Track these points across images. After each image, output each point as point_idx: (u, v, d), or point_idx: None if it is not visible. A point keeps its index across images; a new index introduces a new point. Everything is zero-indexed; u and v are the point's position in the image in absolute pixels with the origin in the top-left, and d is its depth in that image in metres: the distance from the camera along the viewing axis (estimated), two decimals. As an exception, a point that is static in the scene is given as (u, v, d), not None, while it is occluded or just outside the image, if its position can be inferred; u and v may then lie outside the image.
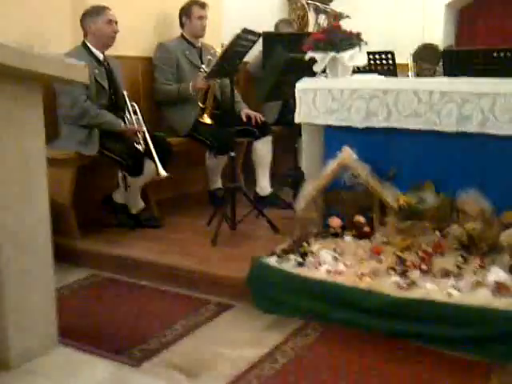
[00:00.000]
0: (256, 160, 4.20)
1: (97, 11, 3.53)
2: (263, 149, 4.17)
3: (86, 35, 3.58)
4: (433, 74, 4.88)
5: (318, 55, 3.03)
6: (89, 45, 3.57)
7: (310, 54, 3.06)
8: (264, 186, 4.19)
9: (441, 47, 6.19)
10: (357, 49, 3.05)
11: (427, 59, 4.89)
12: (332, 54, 3.01)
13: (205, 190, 4.40)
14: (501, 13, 6.88)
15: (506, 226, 2.78)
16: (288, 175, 3.88)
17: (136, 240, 3.41)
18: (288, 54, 3.48)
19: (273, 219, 3.54)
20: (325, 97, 3.11)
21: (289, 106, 3.86)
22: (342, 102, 3.07)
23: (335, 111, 3.10)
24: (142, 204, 3.67)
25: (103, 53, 3.63)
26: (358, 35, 3.11)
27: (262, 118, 4.16)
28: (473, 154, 2.87)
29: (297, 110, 3.20)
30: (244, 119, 4.07)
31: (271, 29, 5.16)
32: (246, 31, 3.19)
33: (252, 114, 4.11)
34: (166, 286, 2.95)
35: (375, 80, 3.04)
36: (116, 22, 3.56)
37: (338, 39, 3.00)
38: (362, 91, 3.02)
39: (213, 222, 3.53)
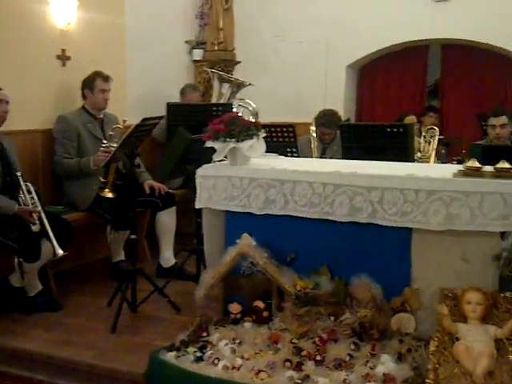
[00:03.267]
0: (159, 231, 4.20)
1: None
2: (167, 220, 4.18)
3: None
4: (333, 139, 5.11)
5: (217, 145, 3.10)
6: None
7: (209, 144, 3.12)
8: (168, 258, 4.19)
9: (342, 109, 6.55)
10: (255, 139, 3.15)
11: (327, 125, 5.11)
12: (231, 144, 3.09)
13: (107, 258, 4.34)
14: (400, 69, 7.32)
15: (395, 311, 2.96)
16: (192, 250, 3.89)
17: (32, 328, 3.29)
18: (189, 134, 3.54)
19: (176, 293, 3.55)
20: (225, 184, 3.18)
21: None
22: (242, 189, 3.16)
23: (235, 198, 3.18)
24: (39, 286, 3.56)
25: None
26: (256, 124, 3.23)
27: (166, 189, 4.17)
28: (364, 242, 3.04)
29: (197, 195, 3.26)
30: (147, 191, 4.07)
31: (177, 91, 5.24)
32: (146, 120, 3.21)
33: (155, 185, 4.12)
34: (63, 380, 2.87)
35: (274, 170, 3.14)
36: (7, 102, 3.47)
37: (237, 130, 3.08)
38: (261, 180, 3.12)
39: (114, 301, 3.49)
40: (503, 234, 2.85)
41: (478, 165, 2.89)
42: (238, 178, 3.16)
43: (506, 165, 2.85)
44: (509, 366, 2.45)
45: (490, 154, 3.23)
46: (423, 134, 5.30)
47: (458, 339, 2.60)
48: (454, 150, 6.16)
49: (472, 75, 7.04)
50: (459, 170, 2.94)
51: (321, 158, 4.96)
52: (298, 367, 2.66)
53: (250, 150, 3.15)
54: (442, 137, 6.35)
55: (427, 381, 2.42)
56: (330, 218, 3.02)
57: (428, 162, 5.07)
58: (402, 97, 7.30)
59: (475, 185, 2.78)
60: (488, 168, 2.90)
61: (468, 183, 2.81)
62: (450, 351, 2.55)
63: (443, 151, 6.06)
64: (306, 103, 6.23)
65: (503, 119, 4.49)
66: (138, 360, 2.82)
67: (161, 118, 3.49)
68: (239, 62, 6.32)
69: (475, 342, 2.54)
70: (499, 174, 2.82)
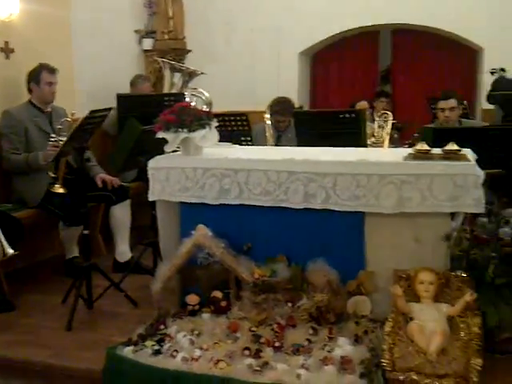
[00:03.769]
0: (114, 225, 4.13)
1: None
2: (121, 214, 4.12)
3: None
4: (287, 126, 5.11)
5: (168, 136, 3.06)
6: None
7: (160, 135, 3.08)
8: (123, 252, 4.14)
9: (296, 96, 6.56)
10: (207, 128, 3.12)
11: (281, 113, 5.12)
12: (183, 134, 3.06)
13: (61, 255, 4.25)
14: (352, 56, 7.38)
15: (351, 294, 3.00)
16: (148, 243, 3.85)
17: (-16, 330, 3.20)
18: (140, 126, 3.49)
19: (133, 288, 3.51)
20: (178, 175, 3.15)
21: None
22: (195, 180, 3.13)
23: (189, 189, 3.15)
24: (-11, 288, 3.47)
25: None
26: (208, 113, 3.20)
27: (118, 182, 4.11)
28: (320, 227, 3.06)
29: (150, 187, 3.22)
30: (99, 185, 4.00)
31: (128, 82, 5.15)
32: (94, 112, 3.15)
33: (107, 178, 4.05)
34: (19, 381, 2.81)
35: (227, 159, 3.13)
36: None
37: (189, 120, 3.05)
38: (215, 170, 3.10)
39: (68, 298, 3.42)
40: (453, 215, 2.91)
41: (427, 148, 2.95)
42: (192, 168, 3.13)
43: (455, 147, 2.91)
44: (461, 342, 2.51)
45: (441, 137, 3.28)
46: (376, 119, 5.37)
47: (411, 319, 2.66)
48: (406, 134, 6.25)
49: (423, 60, 7.17)
50: (409, 154, 2.99)
51: (276, 145, 4.95)
52: (257, 354, 2.67)
53: (202, 139, 3.13)
54: (394, 121, 6.48)
55: (382, 361, 2.47)
56: (285, 205, 3.04)
57: (382, 146, 5.14)
58: (355, 83, 7.37)
59: (425, 167, 2.84)
60: (437, 150, 2.96)
61: (418, 166, 2.86)
62: (405, 331, 2.60)
63: (396, 135, 6.15)
64: (260, 91, 6.23)
65: (452, 102, 4.58)
66: (95, 357, 2.77)
67: (109, 109, 3.42)
68: (190, 51, 6.26)
69: (428, 320, 2.60)
70: (447, 156, 2.88)
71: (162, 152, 3.19)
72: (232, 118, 4.46)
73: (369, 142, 5.07)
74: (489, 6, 6.20)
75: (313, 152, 3.36)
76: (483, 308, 2.68)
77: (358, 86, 7.34)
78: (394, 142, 5.77)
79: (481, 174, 2.78)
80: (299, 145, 4.17)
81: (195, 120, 3.08)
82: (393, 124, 6.14)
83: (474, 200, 2.76)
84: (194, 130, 3.07)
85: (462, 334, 2.55)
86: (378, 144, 5.16)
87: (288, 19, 6.71)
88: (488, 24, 6.18)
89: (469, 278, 2.74)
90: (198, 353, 2.69)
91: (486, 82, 6.01)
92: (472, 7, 6.24)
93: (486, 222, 2.77)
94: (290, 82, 6.62)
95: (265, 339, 2.79)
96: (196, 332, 2.87)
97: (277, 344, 2.75)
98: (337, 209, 2.97)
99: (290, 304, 2.99)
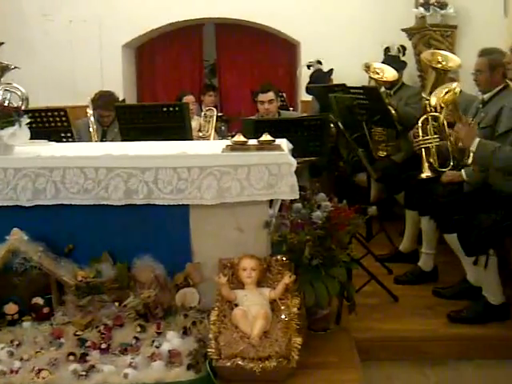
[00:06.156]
0: None
1: None
2: None
3: None
4: (112, 121, 4.98)
5: (-28, 134, 2.82)
6: None
7: (-37, 133, 2.83)
8: None
9: (121, 90, 6.42)
10: (17, 126, 2.93)
11: (104, 107, 4.97)
12: (-8, 132, 2.84)
13: None
14: (178, 49, 7.39)
15: (179, 287, 3.01)
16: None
17: None
18: None
19: None
20: (-13, 176, 2.92)
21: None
22: (7, 181, 2.93)
23: (0, 191, 2.94)
24: None
25: None
26: (18, 110, 3.00)
27: None
28: (144, 223, 3.03)
29: (-44, 191, 2.94)
30: None
31: None
32: None
33: None
34: None
35: (40, 158, 2.96)
36: None
37: (-5, 117, 2.84)
38: (27, 170, 2.92)
39: None
40: (271, 202, 3.04)
41: (243, 139, 3.04)
42: (1, 169, 2.92)
43: (268, 137, 3.04)
44: (282, 323, 2.64)
45: (261, 129, 3.40)
46: (203, 112, 5.44)
47: (236, 305, 2.74)
48: (234, 125, 6.44)
49: (246, 54, 7.41)
50: (227, 145, 3.06)
51: (102, 141, 4.82)
52: (83, 359, 2.58)
53: (12, 137, 2.93)
54: (221, 114, 6.63)
55: (209, 350, 2.52)
56: (106, 202, 2.95)
57: (209, 139, 5.23)
58: (182, 76, 7.42)
59: (242, 158, 2.93)
60: (253, 141, 3.07)
61: (235, 157, 2.94)
62: (230, 318, 2.67)
63: (223, 128, 6.31)
64: (82, 85, 6.00)
65: (270, 95, 4.77)
66: None
67: None
68: (3, 43, 5.83)
69: (252, 305, 2.69)
70: (262, 147, 3.00)
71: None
72: (49, 114, 4.23)
73: (196, 135, 5.16)
74: (303, 1, 6.56)
75: (134, 146, 3.31)
76: (302, 288, 2.84)
77: (185, 79, 7.39)
78: (222, 135, 5.92)
79: (294, 162, 2.94)
80: (123, 140, 4.09)
81: (3, 117, 2.87)
82: (220, 117, 6.32)
83: (288, 187, 2.91)
84: (1, 128, 2.86)
85: (283, 315, 2.67)
86: (205, 137, 5.26)
87: (110, 10, 6.54)
88: (303, 19, 6.54)
89: (288, 261, 2.89)
90: (17, 364, 2.54)
91: (305, 74, 6.37)
92: (288, 2, 6.56)
93: (301, 207, 2.93)
94: (114, 75, 6.48)
95: (91, 342, 2.70)
96: (16, 342, 2.71)
97: (103, 346, 2.69)
98: (160, 203, 2.95)
99: (116, 303, 2.93)
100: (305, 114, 5.49)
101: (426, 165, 3.78)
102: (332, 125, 4.31)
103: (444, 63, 3.90)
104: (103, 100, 4.97)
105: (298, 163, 2.99)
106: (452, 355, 3.14)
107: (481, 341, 3.16)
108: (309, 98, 6.02)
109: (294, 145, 3.37)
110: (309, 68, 6.28)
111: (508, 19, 4.66)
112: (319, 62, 6.29)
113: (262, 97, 4.78)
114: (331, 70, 6.11)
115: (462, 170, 3.63)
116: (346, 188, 4.85)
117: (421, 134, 3.80)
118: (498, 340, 3.16)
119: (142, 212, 2.99)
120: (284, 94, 6.23)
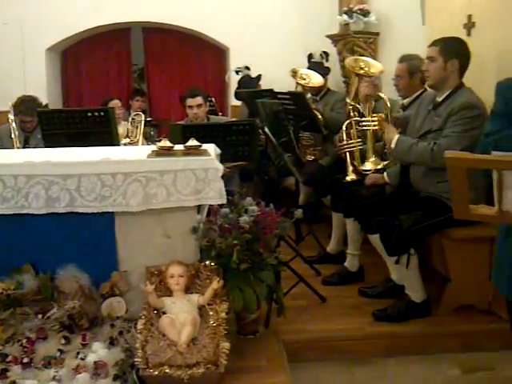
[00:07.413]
0: None
1: None
2: None
3: None
4: (36, 127, 4.84)
5: None
6: None
7: None
8: None
9: (46, 95, 6.24)
10: None
11: (26, 112, 4.84)
12: None
13: None
14: (104, 53, 7.24)
15: (105, 296, 2.94)
16: None
17: None
18: None
19: None
20: None
21: None
22: None
23: None
24: None
25: None
26: None
27: None
28: (68, 232, 2.94)
29: None
30: None
31: None
32: None
33: None
34: None
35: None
36: None
37: None
38: None
39: None
40: (199, 208, 3.03)
41: (169, 144, 3.02)
42: None
43: (195, 142, 3.02)
44: (210, 329, 2.63)
45: (189, 133, 3.39)
46: (131, 118, 5.36)
47: (164, 313, 2.70)
48: (164, 130, 6.38)
49: (174, 58, 7.36)
50: (152, 151, 3.03)
51: (24, 147, 4.67)
52: (3, 375, 2.48)
53: None
54: (150, 119, 6.56)
55: (136, 359, 2.47)
56: (26, 211, 2.85)
57: (137, 145, 5.16)
58: (109, 81, 7.29)
59: (168, 163, 2.90)
60: (179, 147, 3.05)
61: (161, 162, 2.91)
62: (157, 326, 2.64)
63: (152, 133, 6.24)
64: (4, 90, 5.78)
65: (199, 99, 4.76)
66: None
67: None
68: None
69: (180, 312, 2.66)
70: (189, 152, 2.98)
71: None
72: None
73: (124, 141, 5.08)
74: (231, 7, 6.60)
75: (57, 153, 3.22)
76: (230, 293, 2.84)
77: (112, 83, 7.27)
78: (151, 140, 5.85)
79: (221, 167, 2.94)
80: (47, 146, 3.97)
81: None
82: (149, 121, 6.25)
83: (215, 192, 2.90)
84: None
85: (211, 321, 2.66)
86: (133, 143, 5.19)
87: (32, 13, 6.34)
88: (231, 25, 6.58)
89: (216, 266, 2.88)
90: None
91: (234, 79, 6.40)
92: (216, 8, 6.58)
93: (228, 212, 2.93)
94: (37, 80, 6.28)
95: (12, 357, 2.60)
96: None
97: (25, 360, 2.58)
98: (83, 211, 2.87)
99: (40, 316, 2.84)
100: (234, 119, 5.51)
101: (350, 168, 3.88)
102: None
103: (366, 69, 4.00)
104: (25, 105, 4.84)
105: (227, 168, 3.00)
106: (377, 353, 3.22)
107: (404, 338, 3.26)
108: (238, 103, 6.05)
109: (224, 150, 3.38)
110: (237, 73, 6.31)
111: (425, 27, 4.84)
112: (247, 68, 6.34)
113: (190, 101, 4.77)
114: (259, 75, 6.17)
115: (385, 173, 3.75)
116: (276, 192, 4.90)
117: (345, 138, 3.90)
118: (420, 336, 3.27)
119: (64, 221, 2.90)
120: (213, 99, 6.23)
